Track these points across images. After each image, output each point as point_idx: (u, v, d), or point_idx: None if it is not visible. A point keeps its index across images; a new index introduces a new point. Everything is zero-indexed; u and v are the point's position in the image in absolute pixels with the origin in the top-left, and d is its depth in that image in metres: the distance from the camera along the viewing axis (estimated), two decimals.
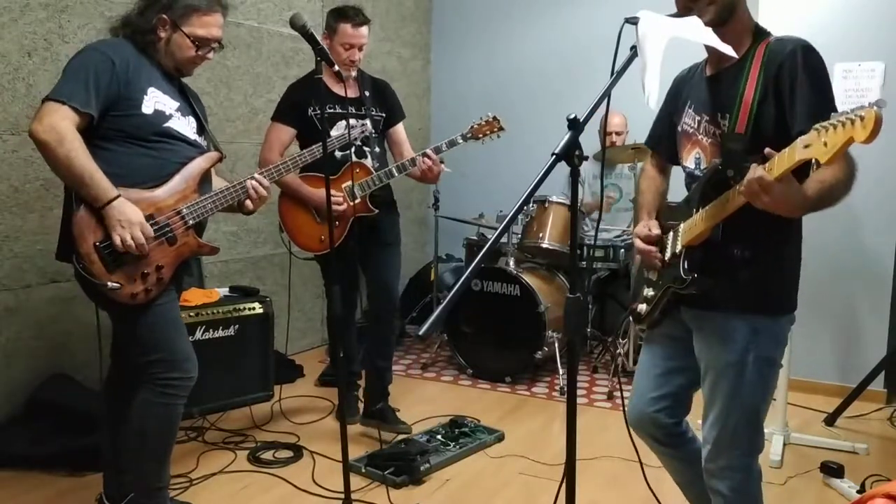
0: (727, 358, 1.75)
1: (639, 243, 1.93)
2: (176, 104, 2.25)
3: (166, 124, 2.20)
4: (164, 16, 2.18)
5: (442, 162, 3.20)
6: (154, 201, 2.15)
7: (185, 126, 2.27)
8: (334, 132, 3.17)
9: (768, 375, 1.78)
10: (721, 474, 1.82)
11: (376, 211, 3.22)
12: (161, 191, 2.18)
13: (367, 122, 3.12)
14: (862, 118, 1.25)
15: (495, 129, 3.26)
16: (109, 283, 2.07)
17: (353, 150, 3.25)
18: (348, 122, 3.11)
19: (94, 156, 2.05)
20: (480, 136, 3.25)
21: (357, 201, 3.16)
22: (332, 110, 3.18)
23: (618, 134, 4.50)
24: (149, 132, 2.16)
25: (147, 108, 2.15)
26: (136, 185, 2.13)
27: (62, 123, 1.99)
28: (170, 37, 2.20)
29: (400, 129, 3.43)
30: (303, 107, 3.19)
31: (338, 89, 3.19)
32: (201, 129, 2.35)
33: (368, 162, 3.26)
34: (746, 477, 1.83)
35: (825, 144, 1.33)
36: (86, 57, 2.10)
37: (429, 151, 3.11)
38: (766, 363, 1.76)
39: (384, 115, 3.37)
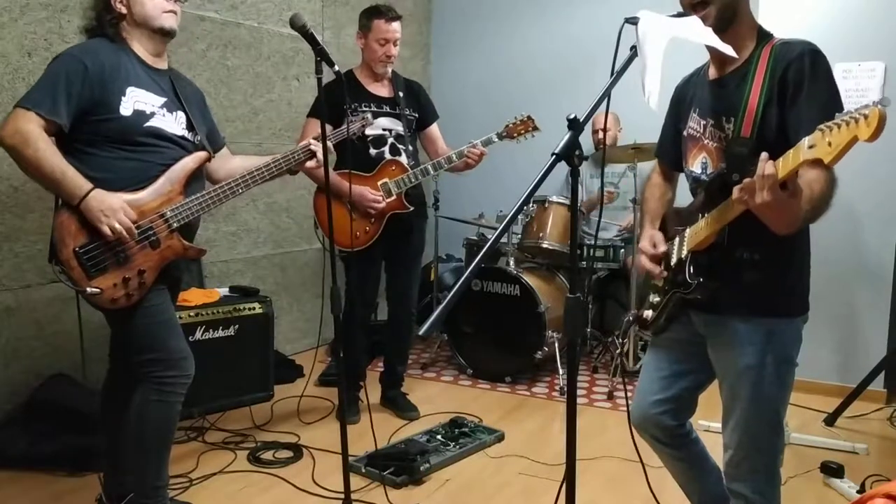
0: (746, 361, 1.74)
1: (644, 261, 1.92)
2: (161, 100, 2.20)
3: (148, 124, 2.16)
4: None
5: (462, 169, 3.32)
6: (137, 204, 2.12)
7: (170, 123, 2.22)
8: (371, 130, 3.28)
9: (786, 375, 1.77)
10: (744, 477, 1.81)
11: (411, 208, 3.28)
12: (144, 193, 2.14)
13: (369, 115, 3.15)
14: (866, 116, 1.24)
15: (530, 129, 3.34)
16: (89, 289, 2.05)
17: (387, 147, 3.30)
18: (344, 119, 3.13)
19: (77, 162, 2.04)
20: (515, 135, 3.33)
21: (393, 199, 3.21)
22: (367, 108, 3.24)
23: (604, 131, 4.47)
24: (130, 134, 2.13)
25: (125, 109, 2.12)
26: (121, 189, 2.10)
27: (27, 126, 1.99)
28: (127, 3, 2.16)
29: (434, 129, 3.56)
30: (337, 104, 3.22)
31: (373, 88, 3.29)
32: (192, 125, 2.31)
33: (403, 159, 3.31)
34: (770, 479, 1.83)
35: (829, 144, 1.31)
36: (60, 63, 2.08)
37: (476, 143, 3.28)
38: (784, 363, 1.75)
39: (417, 115, 3.44)
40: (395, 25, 3.29)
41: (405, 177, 3.25)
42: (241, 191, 2.34)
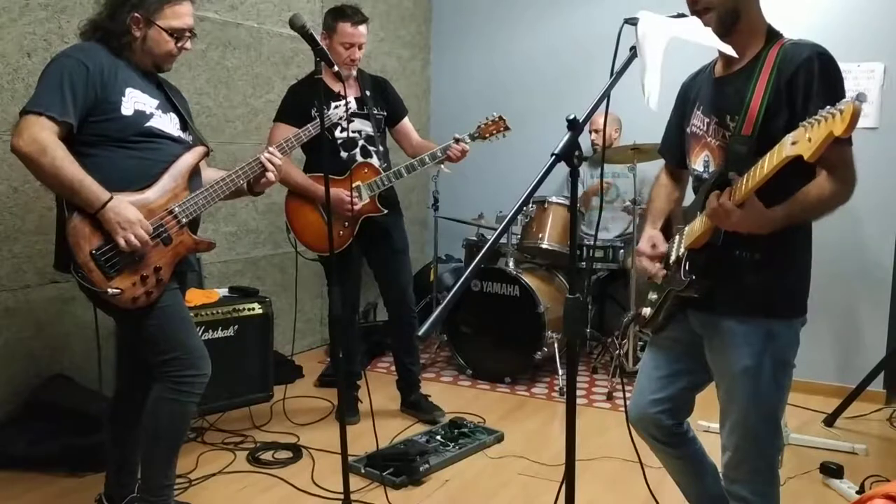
0: (743, 363, 1.73)
1: (644, 262, 1.93)
2: (155, 102, 2.23)
3: (148, 124, 2.18)
4: (137, 14, 2.15)
5: (443, 163, 3.25)
6: (145, 203, 2.14)
7: (167, 123, 2.25)
8: (340, 133, 3.23)
9: (784, 377, 1.77)
10: (744, 479, 1.81)
11: (385, 211, 3.25)
12: (151, 192, 2.16)
13: (353, 101, 3.12)
14: (841, 112, 1.28)
15: (501, 129, 3.31)
16: (110, 290, 2.07)
17: (358, 149, 3.27)
18: (347, 111, 3.11)
19: (79, 163, 2.04)
20: (487, 135, 3.30)
21: (366, 202, 3.19)
22: (334, 110, 3.19)
23: (602, 132, 4.46)
24: (131, 134, 2.14)
25: (126, 109, 2.13)
26: (125, 189, 2.11)
27: (42, 134, 1.98)
28: (145, 34, 2.18)
29: (406, 123, 3.50)
30: (305, 107, 3.20)
31: (338, 88, 3.19)
32: (184, 125, 2.34)
33: (375, 161, 3.28)
34: (769, 479, 1.83)
35: (809, 140, 1.35)
36: (59, 65, 2.07)
37: (463, 137, 3.24)
38: (781, 366, 1.75)
39: (385, 113, 3.39)
40: (362, 29, 3.20)
41: (378, 180, 3.21)
42: (241, 182, 2.36)
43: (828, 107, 1.32)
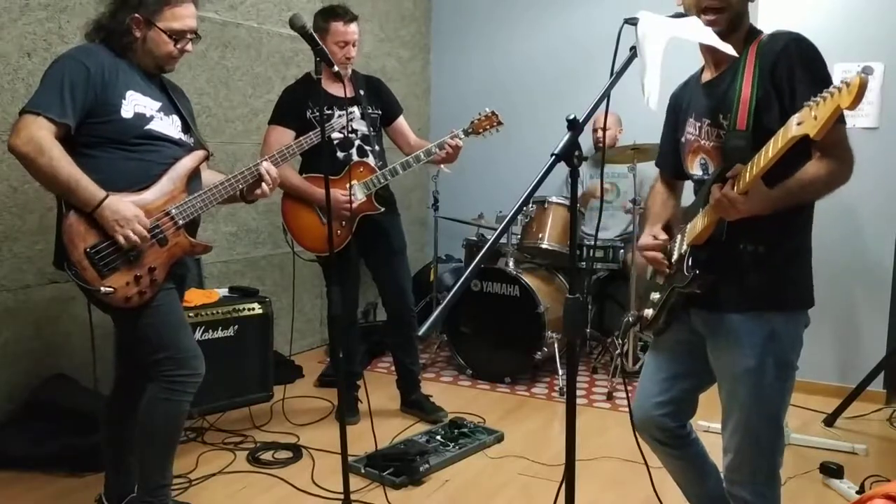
0: (745, 364, 1.73)
1: (646, 253, 1.92)
2: (157, 104, 2.23)
3: (147, 126, 2.18)
4: (137, 15, 2.15)
5: (439, 163, 3.25)
6: (142, 204, 2.14)
7: (168, 126, 2.25)
8: (336, 133, 3.21)
9: (786, 378, 1.76)
10: (745, 481, 1.81)
11: (382, 209, 3.25)
12: (149, 193, 2.17)
13: (355, 110, 3.11)
14: (848, 84, 1.29)
15: (494, 124, 3.31)
16: (102, 289, 2.07)
17: (354, 149, 3.26)
18: (348, 121, 3.11)
19: (79, 164, 2.04)
20: (481, 130, 3.30)
21: (362, 200, 3.19)
22: (329, 112, 3.18)
23: (603, 130, 4.48)
24: (130, 136, 2.15)
25: (126, 112, 2.14)
26: (123, 190, 2.12)
27: (39, 133, 1.99)
28: (145, 35, 2.18)
29: (401, 122, 3.49)
30: (301, 109, 3.20)
31: (333, 89, 3.18)
32: (186, 128, 2.34)
33: (371, 160, 3.28)
34: (770, 481, 1.82)
35: (815, 118, 1.36)
36: (61, 66, 2.08)
37: (457, 132, 3.22)
38: (784, 366, 1.74)
39: (380, 112, 3.39)
40: (353, 27, 3.20)
41: (374, 178, 3.21)
42: (241, 185, 2.35)
43: (832, 85, 1.33)
